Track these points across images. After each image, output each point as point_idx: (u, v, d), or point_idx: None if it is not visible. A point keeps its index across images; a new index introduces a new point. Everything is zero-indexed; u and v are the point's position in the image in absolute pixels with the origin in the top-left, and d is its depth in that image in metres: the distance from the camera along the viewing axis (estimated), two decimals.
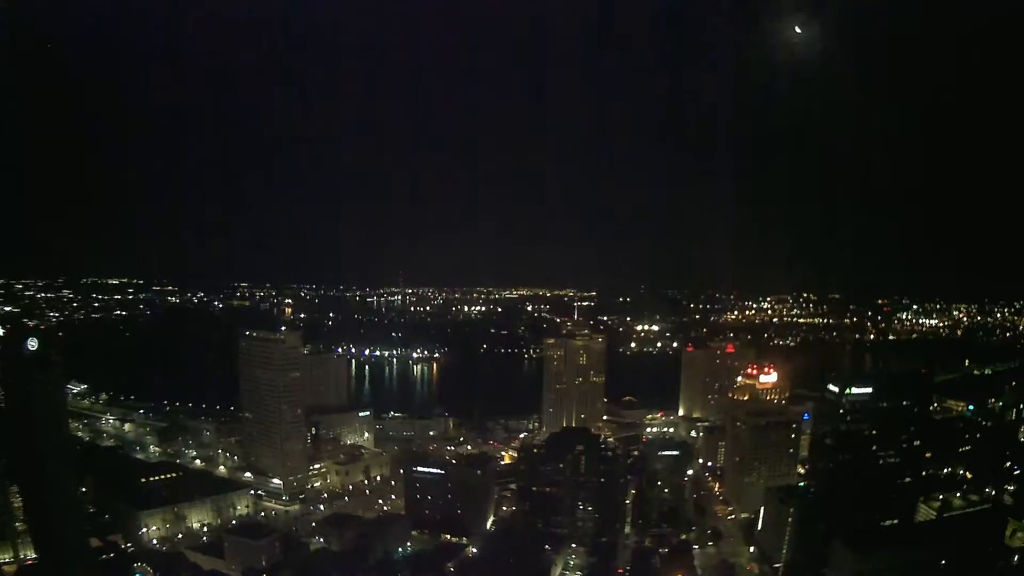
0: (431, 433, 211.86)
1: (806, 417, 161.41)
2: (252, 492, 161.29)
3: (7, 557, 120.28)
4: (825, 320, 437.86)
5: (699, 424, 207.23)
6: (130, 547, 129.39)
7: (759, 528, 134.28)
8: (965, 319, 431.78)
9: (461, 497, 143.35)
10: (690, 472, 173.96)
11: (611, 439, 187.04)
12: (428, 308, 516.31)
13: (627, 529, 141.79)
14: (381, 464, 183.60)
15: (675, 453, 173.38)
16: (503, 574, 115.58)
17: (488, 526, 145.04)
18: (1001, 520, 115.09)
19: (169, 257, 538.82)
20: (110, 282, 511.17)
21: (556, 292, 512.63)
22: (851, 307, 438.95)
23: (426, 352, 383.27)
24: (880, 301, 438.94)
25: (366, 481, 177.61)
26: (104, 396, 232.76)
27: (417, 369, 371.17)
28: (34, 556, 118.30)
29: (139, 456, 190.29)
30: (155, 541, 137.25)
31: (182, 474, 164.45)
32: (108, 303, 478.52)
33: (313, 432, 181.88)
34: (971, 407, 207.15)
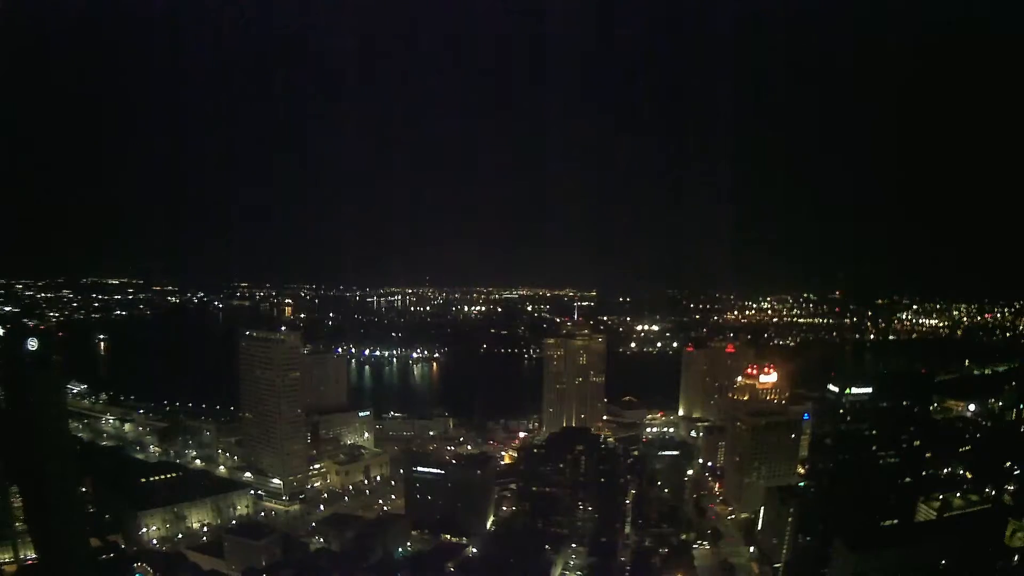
0: (431, 433, 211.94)
1: (806, 417, 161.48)
2: (252, 492, 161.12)
3: (7, 557, 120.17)
4: (825, 320, 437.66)
5: (699, 424, 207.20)
6: (133, 548, 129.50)
7: (759, 528, 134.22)
8: (965, 319, 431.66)
9: (461, 497, 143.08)
10: (690, 472, 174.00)
11: (611, 439, 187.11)
12: (428, 308, 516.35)
13: (627, 529, 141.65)
14: (381, 464, 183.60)
15: (675, 453, 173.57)
16: (503, 574, 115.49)
17: (488, 526, 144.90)
18: (1001, 520, 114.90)
19: (169, 257, 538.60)
20: (110, 282, 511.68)
21: (556, 292, 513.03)
22: (851, 307, 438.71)
23: (426, 352, 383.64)
24: (880, 301, 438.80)
25: (366, 481, 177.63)
26: (104, 396, 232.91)
27: (417, 369, 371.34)
28: (34, 556, 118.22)
29: (139, 456, 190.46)
30: (155, 541, 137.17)
31: (182, 474, 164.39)
32: (108, 303, 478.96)
33: (313, 432, 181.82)
34: (971, 407, 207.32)
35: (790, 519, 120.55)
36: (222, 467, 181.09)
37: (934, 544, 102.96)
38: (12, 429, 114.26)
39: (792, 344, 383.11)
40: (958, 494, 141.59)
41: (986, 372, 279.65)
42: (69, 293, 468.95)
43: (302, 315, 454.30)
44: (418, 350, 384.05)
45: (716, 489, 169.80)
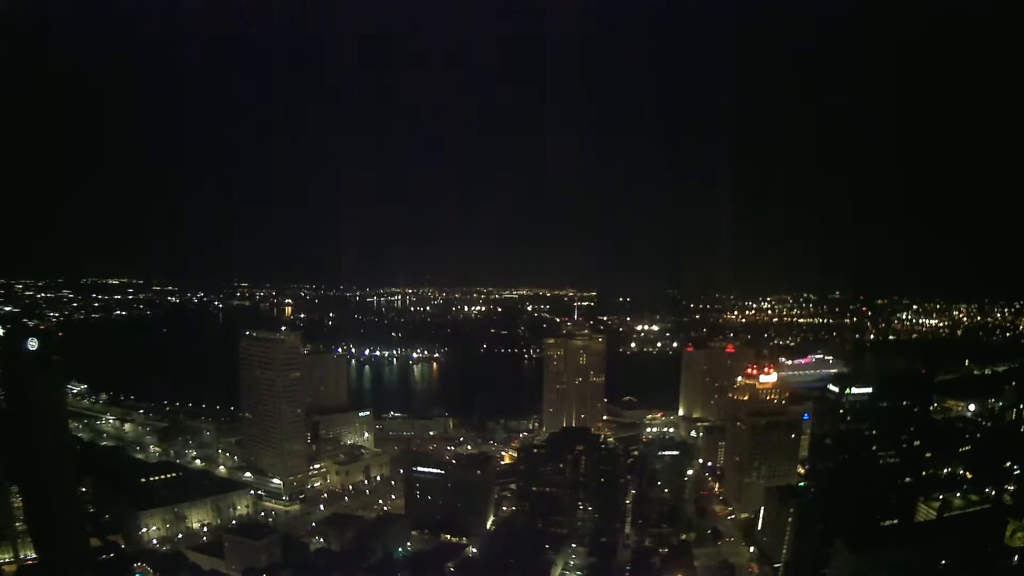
0: (431, 433, 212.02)
1: (806, 417, 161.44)
2: (252, 492, 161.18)
3: (7, 557, 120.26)
4: (825, 320, 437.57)
5: (699, 424, 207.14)
6: (133, 548, 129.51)
7: (759, 528, 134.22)
8: (965, 319, 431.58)
9: (461, 497, 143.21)
10: (690, 472, 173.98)
11: (611, 439, 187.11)
12: (428, 308, 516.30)
13: (627, 529, 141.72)
14: (381, 464, 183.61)
15: (675, 453, 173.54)
16: (503, 574, 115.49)
17: (488, 526, 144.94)
18: (1001, 520, 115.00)
19: (169, 257, 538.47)
20: (110, 282, 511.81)
21: (556, 292, 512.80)
22: (851, 307, 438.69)
23: (426, 352, 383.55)
24: (880, 301, 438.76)
25: (366, 481, 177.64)
26: (104, 396, 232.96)
27: (417, 369, 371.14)
28: (34, 556, 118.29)
29: (139, 456, 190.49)
30: (155, 541, 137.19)
31: (182, 474, 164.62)
32: (108, 303, 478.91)
33: (313, 432, 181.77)
34: (971, 407, 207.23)
35: (790, 519, 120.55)
36: (222, 467, 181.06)
37: (934, 544, 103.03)
38: (12, 429, 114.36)
39: (792, 344, 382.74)
40: (958, 494, 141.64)
41: (986, 372, 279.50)
42: (69, 293, 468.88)
43: (302, 315, 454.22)
44: (418, 350, 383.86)
45: (716, 489, 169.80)
